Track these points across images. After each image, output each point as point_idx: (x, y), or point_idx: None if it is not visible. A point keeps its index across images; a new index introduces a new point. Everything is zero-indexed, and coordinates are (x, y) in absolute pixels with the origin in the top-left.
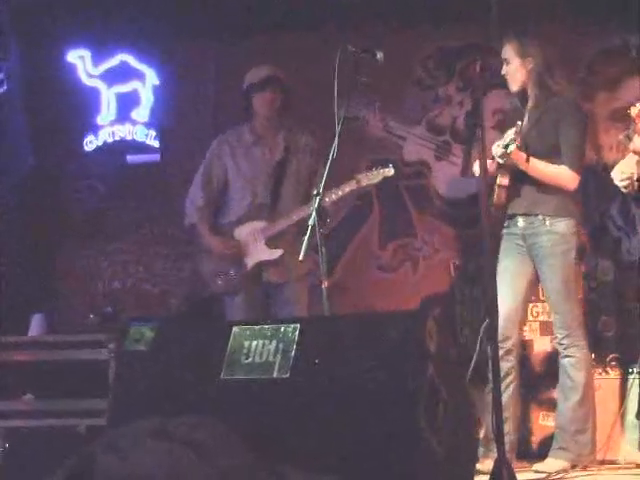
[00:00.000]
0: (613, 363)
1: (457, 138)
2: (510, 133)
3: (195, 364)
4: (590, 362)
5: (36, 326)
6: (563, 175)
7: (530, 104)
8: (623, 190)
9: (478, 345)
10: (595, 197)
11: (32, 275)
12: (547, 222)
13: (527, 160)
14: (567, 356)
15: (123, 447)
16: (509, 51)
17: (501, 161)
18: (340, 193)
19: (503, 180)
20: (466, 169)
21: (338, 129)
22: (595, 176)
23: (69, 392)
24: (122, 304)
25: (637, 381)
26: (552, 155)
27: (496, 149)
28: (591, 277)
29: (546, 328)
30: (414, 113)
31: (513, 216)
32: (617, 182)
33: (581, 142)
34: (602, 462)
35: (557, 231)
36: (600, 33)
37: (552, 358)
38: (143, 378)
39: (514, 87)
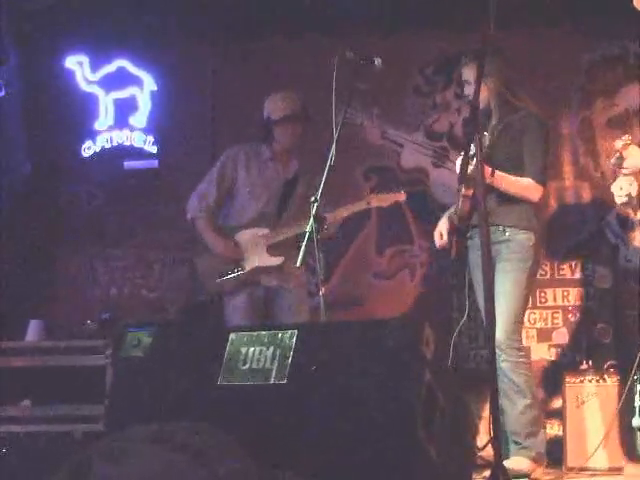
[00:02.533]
0: (611, 370)
1: (455, 145)
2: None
3: (192, 370)
4: (530, 365)
5: (33, 332)
6: (527, 187)
7: (493, 121)
8: (622, 207)
9: (452, 346)
10: (592, 204)
11: (29, 281)
12: (507, 233)
13: (492, 173)
14: (505, 360)
15: (120, 453)
16: (469, 73)
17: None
18: (352, 210)
19: (466, 191)
20: (464, 176)
21: (336, 135)
22: (592, 183)
23: (66, 398)
24: (119, 310)
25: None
26: (515, 168)
27: (459, 162)
28: (588, 284)
29: (543, 335)
30: (412, 120)
31: (476, 226)
32: (616, 199)
33: (544, 154)
34: (606, 469)
35: (515, 241)
36: (599, 40)
37: (550, 365)
38: (140, 384)
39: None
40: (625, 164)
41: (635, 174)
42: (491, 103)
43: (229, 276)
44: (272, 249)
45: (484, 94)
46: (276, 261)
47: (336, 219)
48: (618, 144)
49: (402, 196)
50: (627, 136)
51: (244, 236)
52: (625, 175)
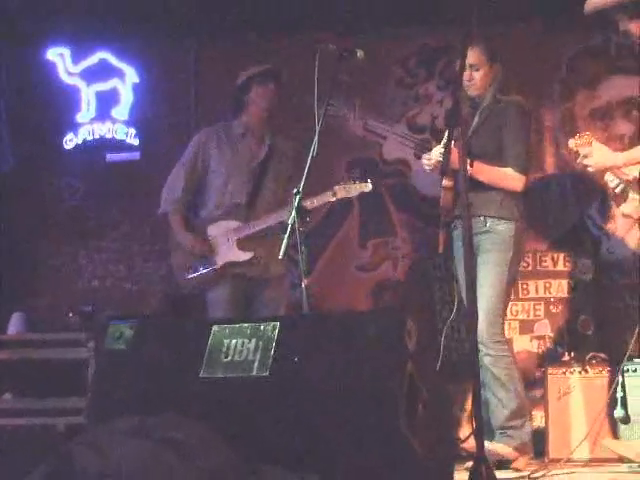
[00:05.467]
0: (593, 362)
1: (437, 137)
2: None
3: (175, 362)
4: (512, 358)
5: (15, 325)
6: (508, 177)
7: (481, 109)
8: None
9: (442, 339)
10: (574, 197)
11: (11, 273)
12: (488, 224)
13: (471, 164)
14: (487, 354)
15: (102, 445)
16: (479, 56)
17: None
18: (315, 203)
19: (448, 182)
20: (446, 168)
21: (318, 127)
22: (574, 176)
23: (48, 391)
24: (102, 302)
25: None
26: (497, 158)
27: (436, 151)
28: (570, 276)
29: (525, 327)
30: (394, 112)
31: (458, 217)
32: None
33: (526, 144)
34: (588, 460)
35: (496, 232)
36: (580, 31)
37: (532, 357)
38: (122, 377)
39: (474, 92)
40: (587, 161)
41: (602, 171)
42: (487, 90)
43: (198, 273)
44: (242, 243)
45: (486, 79)
46: (247, 256)
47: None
48: (571, 143)
49: (368, 186)
50: (580, 135)
51: (215, 230)
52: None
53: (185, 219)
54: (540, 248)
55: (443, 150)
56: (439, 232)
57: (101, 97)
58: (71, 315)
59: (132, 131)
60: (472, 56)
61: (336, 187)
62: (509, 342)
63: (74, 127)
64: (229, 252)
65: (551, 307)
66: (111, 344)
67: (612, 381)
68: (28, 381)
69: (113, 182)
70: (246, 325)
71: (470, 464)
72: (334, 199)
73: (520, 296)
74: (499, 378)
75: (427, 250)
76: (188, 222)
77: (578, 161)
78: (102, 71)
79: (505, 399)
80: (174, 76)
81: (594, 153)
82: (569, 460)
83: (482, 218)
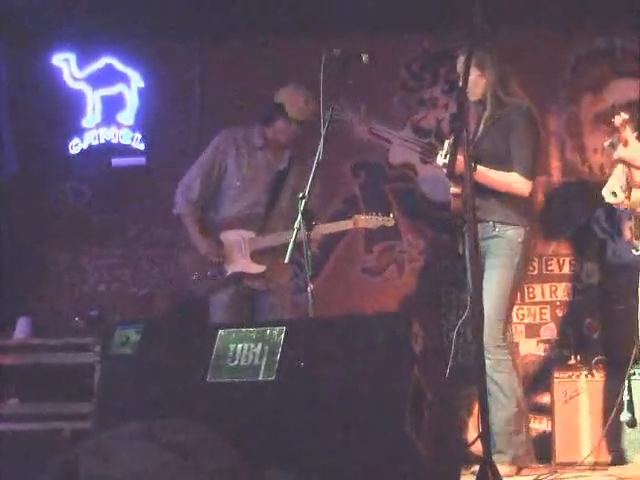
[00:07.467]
0: (599, 365)
1: (442, 141)
2: (448, 142)
3: (181, 367)
4: (512, 363)
5: (22, 329)
6: (514, 181)
7: (486, 114)
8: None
9: (453, 343)
10: (580, 200)
11: (17, 278)
12: (497, 229)
13: (474, 169)
14: (487, 358)
15: (108, 450)
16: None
17: (444, 169)
18: (335, 229)
19: (455, 189)
20: (452, 174)
21: (324, 132)
22: (580, 178)
23: (54, 395)
24: (108, 307)
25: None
26: (504, 163)
27: (440, 159)
28: (576, 280)
29: (532, 330)
30: (399, 116)
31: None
32: (607, 199)
33: (532, 149)
34: (595, 464)
35: (504, 237)
36: (585, 35)
37: (538, 361)
38: (128, 381)
39: (473, 98)
40: (620, 152)
41: (627, 164)
42: (486, 95)
43: (207, 278)
44: (256, 255)
45: (481, 85)
46: (258, 269)
47: (318, 236)
48: (617, 120)
49: (391, 221)
50: (624, 114)
51: (229, 238)
52: (616, 166)
53: (201, 222)
54: (546, 252)
55: (449, 156)
56: (458, 235)
57: (107, 102)
58: (77, 320)
59: (138, 136)
60: (459, 64)
61: (356, 216)
62: (514, 346)
63: (80, 132)
64: (242, 262)
65: (557, 310)
66: (117, 349)
67: (618, 384)
68: (34, 386)
69: (118, 187)
70: (252, 330)
71: (477, 468)
72: (352, 227)
73: (526, 300)
74: (498, 382)
75: (438, 253)
76: (203, 225)
77: (607, 144)
78: (107, 76)
79: (502, 404)
80: (179, 80)
81: (630, 143)
82: (573, 464)
83: (491, 223)
